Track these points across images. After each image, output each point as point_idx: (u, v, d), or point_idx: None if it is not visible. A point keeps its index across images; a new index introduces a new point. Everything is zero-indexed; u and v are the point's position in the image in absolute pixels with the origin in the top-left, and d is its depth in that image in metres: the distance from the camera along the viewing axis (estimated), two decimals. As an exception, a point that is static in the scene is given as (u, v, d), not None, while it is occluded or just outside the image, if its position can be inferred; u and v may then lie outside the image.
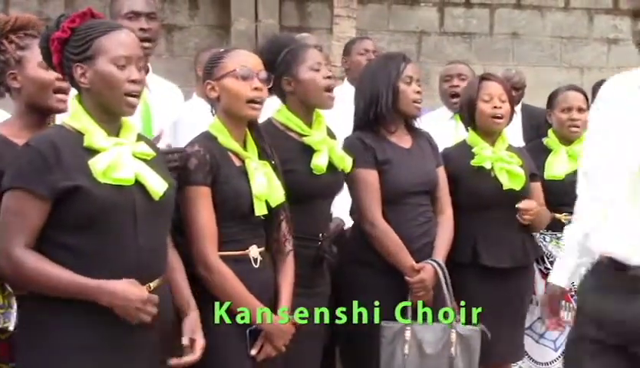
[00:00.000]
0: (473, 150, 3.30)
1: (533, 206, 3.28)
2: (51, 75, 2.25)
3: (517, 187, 3.27)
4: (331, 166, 2.78)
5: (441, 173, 3.18)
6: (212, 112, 2.58)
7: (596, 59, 8.12)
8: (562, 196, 3.45)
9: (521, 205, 3.25)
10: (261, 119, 3.10)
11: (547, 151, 3.64)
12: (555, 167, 3.53)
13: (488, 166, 3.25)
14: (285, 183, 2.57)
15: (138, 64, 2.10)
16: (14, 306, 2.17)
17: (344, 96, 3.99)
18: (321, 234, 2.79)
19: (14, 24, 2.32)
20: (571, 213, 3.43)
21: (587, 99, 3.67)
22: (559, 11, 8.09)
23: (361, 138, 3.04)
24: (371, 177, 2.98)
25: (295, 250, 2.60)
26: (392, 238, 2.96)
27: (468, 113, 3.38)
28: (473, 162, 3.26)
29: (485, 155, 3.27)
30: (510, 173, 3.26)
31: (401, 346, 2.87)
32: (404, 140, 3.13)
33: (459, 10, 7.95)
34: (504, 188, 3.25)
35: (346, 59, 4.57)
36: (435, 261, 3.00)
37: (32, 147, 2.02)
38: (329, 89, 2.77)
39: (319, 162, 2.72)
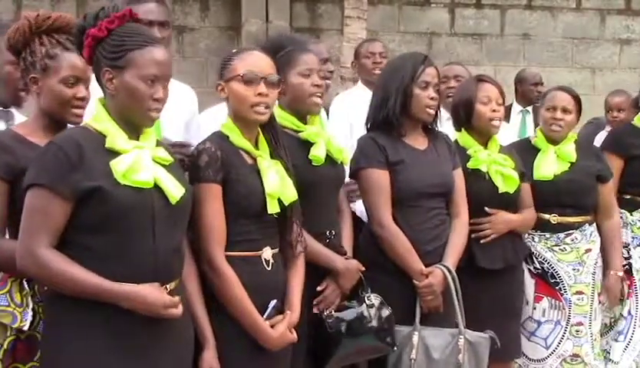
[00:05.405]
0: (467, 152, 3.29)
1: (485, 220, 3.25)
2: (71, 91, 2.28)
3: (511, 190, 3.28)
4: (329, 159, 2.80)
5: (458, 176, 3.13)
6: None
7: (608, 60, 8.09)
8: (551, 197, 3.46)
9: (472, 220, 3.19)
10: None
11: (535, 150, 3.58)
12: (544, 168, 3.50)
13: (484, 169, 3.25)
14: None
15: (165, 82, 2.13)
16: (30, 305, 2.20)
17: (358, 97, 4.00)
18: (328, 232, 2.78)
19: (52, 24, 2.32)
20: (560, 214, 3.47)
21: (579, 101, 3.59)
22: (570, 11, 8.06)
23: (374, 138, 3.01)
24: (381, 177, 2.95)
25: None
26: (401, 240, 2.92)
27: (464, 114, 3.35)
28: (469, 165, 3.25)
29: (480, 158, 3.26)
30: (505, 176, 3.26)
31: (408, 351, 2.86)
32: (419, 141, 3.08)
33: (469, 11, 7.94)
34: (499, 191, 3.25)
35: (355, 62, 4.59)
36: (444, 265, 2.96)
37: (57, 145, 2.04)
38: (316, 96, 2.76)
39: (317, 153, 2.73)
